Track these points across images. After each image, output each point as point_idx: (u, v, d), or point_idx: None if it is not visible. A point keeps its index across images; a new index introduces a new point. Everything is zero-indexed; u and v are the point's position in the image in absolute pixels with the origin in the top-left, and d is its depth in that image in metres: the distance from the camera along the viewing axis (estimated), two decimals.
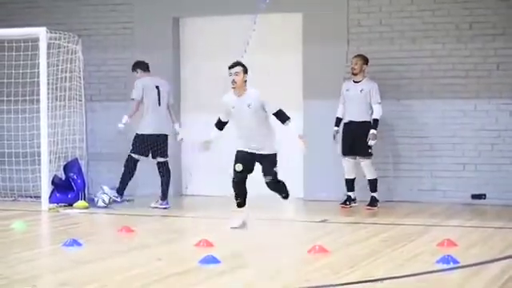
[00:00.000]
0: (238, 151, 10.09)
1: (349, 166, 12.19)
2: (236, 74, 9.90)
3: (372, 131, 11.95)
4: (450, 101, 12.56)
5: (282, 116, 9.92)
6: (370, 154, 12.07)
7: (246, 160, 10.01)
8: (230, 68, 9.97)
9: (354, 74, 12.18)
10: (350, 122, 12.18)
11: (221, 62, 13.61)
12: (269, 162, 9.99)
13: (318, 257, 8.31)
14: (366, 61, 12.22)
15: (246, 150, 10.03)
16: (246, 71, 9.95)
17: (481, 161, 12.58)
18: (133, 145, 12.37)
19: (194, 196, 13.82)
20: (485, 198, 12.49)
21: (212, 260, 7.93)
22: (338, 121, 12.34)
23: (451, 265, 7.82)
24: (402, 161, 12.79)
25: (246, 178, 10.09)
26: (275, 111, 9.91)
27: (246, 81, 9.99)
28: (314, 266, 7.84)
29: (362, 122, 12.08)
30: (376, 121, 11.97)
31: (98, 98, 14.18)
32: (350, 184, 12.26)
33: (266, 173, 10.02)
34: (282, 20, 13.41)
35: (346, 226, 10.58)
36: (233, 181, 10.16)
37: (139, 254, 8.70)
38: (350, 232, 10.08)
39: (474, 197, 12.51)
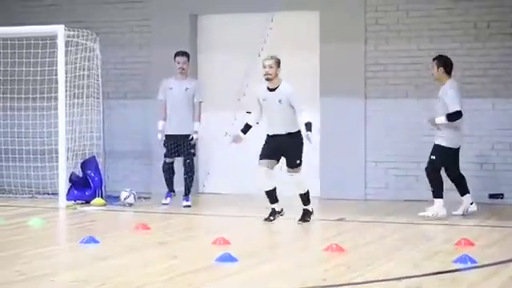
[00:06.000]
0: None
1: None
2: None
3: None
4: (467, 100, 12.44)
5: None
6: None
7: None
8: None
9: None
10: None
11: (238, 60, 13.72)
12: None
13: (335, 255, 8.30)
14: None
15: None
16: None
17: (499, 160, 12.52)
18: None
19: (212, 194, 13.83)
20: (502, 198, 12.43)
21: (229, 258, 7.94)
22: None
23: (469, 264, 7.80)
24: (421, 160, 12.71)
25: None
26: None
27: None
28: (330, 265, 7.84)
29: None
30: None
31: (116, 96, 14.20)
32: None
33: None
34: (299, 18, 13.40)
35: (362, 225, 10.55)
36: None
37: (156, 252, 8.73)
38: (367, 231, 10.05)
39: (492, 196, 12.45)
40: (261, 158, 10.49)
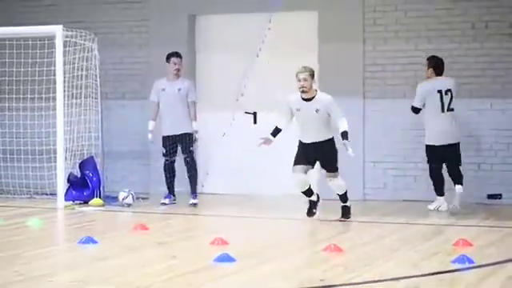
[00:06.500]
0: None
1: None
2: None
3: None
4: (465, 100, 12.49)
5: None
6: None
7: None
8: None
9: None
10: None
11: (236, 60, 13.71)
12: None
13: (333, 255, 8.31)
14: None
15: None
16: None
17: (497, 160, 12.53)
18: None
19: (210, 194, 13.82)
20: (500, 198, 12.44)
21: (227, 258, 7.95)
22: None
23: (467, 265, 7.81)
24: (419, 160, 12.73)
25: None
26: None
27: None
28: (328, 265, 7.85)
29: None
30: None
31: (114, 96, 14.19)
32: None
33: None
34: (297, 18, 13.40)
35: (361, 225, 10.56)
36: None
37: (154, 252, 8.73)
38: (366, 231, 10.06)
39: (490, 197, 12.46)
40: (295, 165, 10.59)
